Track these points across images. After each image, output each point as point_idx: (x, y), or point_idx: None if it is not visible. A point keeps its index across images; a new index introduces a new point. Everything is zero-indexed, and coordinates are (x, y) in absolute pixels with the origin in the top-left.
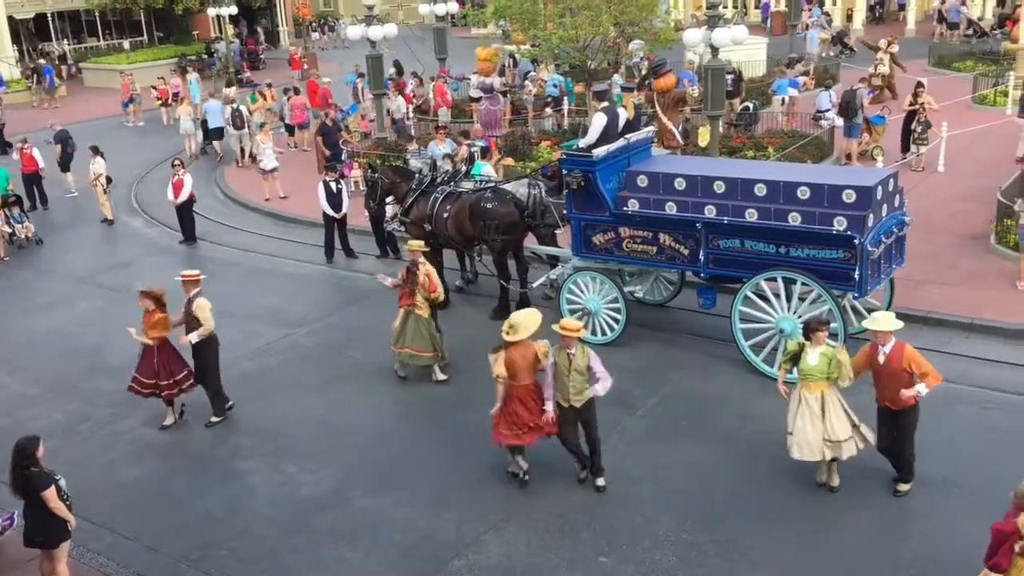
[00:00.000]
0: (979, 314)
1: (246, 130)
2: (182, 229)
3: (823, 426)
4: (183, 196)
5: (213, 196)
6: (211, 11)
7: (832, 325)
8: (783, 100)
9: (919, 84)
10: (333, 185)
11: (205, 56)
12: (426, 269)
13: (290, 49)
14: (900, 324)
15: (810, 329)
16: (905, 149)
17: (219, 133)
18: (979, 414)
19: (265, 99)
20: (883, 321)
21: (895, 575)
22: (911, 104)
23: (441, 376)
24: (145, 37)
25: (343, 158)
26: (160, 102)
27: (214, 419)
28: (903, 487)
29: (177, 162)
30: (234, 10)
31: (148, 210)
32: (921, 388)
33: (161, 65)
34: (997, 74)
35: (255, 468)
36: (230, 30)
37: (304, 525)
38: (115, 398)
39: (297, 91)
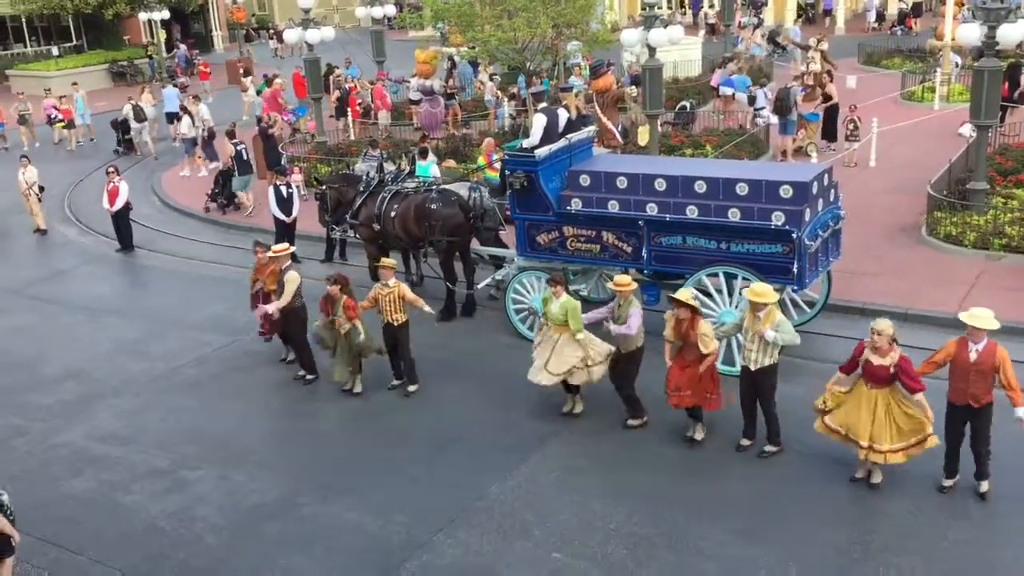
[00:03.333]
0: (913, 304)
1: (147, 123)
2: (119, 237)
3: (547, 357)
4: (119, 204)
5: (150, 204)
6: (142, 16)
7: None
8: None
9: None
10: (283, 189)
11: (147, 59)
12: (345, 300)
13: (230, 56)
14: (998, 324)
15: (552, 282)
16: (827, 139)
17: (173, 118)
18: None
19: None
20: (982, 318)
21: (844, 564)
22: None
23: (357, 389)
24: (74, 42)
25: (283, 163)
26: (61, 124)
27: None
28: (984, 485)
29: (111, 169)
30: (166, 15)
31: (83, 219)
32: (1021, 412)
33: (91, 71)
34: (923, 71)
35: (202, 477)
36: (162, 35)
37: (254, 533)
38: (52, 411)
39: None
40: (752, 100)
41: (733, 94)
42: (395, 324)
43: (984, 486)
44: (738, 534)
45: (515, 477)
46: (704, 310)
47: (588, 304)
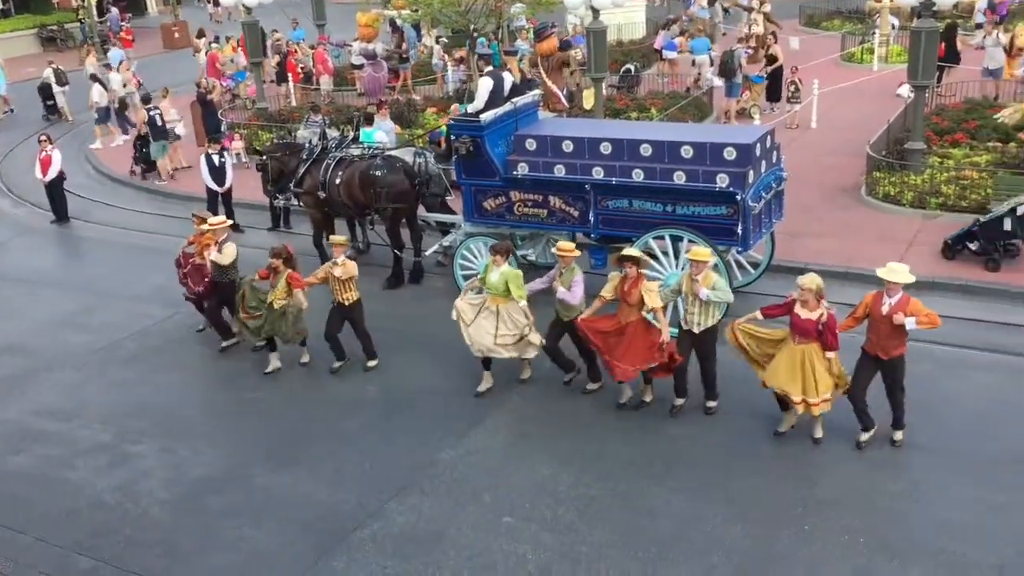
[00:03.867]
0: (852, 263)
1: (68, 87)
2: (52, 208)
3: (494, 331)
4: (52, 173)
5: (84, 173)
6: None
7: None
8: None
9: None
10: (216, 158)
11: (78, 24)
12: (290, 273)
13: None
14: (913, 278)
15: (494, 251)
16: (772, 100)
17: None
18: (852, 356)
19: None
20: (898, 272)
21: (791, 517)
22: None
23: (274, 365)
24: (0, 6)
25: (223, 129)
26: None
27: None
28: (898, 435)
29: (44, 138)
30: None
31: (15, 189)
32: (910, 321)
33: (19, 36)
34: (863, 32)
35: (146, 451)
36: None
37: (200, 506)
38: None
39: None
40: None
41: (694, 60)
42: (346, 304)
43: (898, 435)
44: (686, 492)
45: (465, 444)
46: (651, 273)
47: (536, 269)
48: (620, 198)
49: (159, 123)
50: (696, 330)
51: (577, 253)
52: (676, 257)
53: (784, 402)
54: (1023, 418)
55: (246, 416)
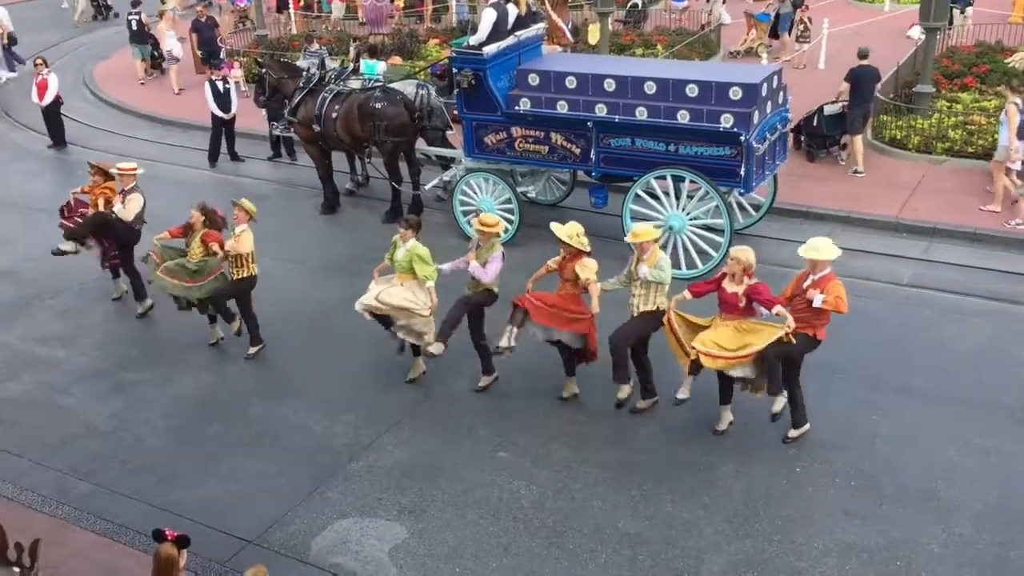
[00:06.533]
0: (855, 207)
1: None
2: (49, 133)
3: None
4: (48, 98)
5: (83, 98)
6: None
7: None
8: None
9: None
10: (220, 84)
11: None
12: (207, 232)
13: None
14: (838, 252)
15: (404, 224)
16: (773, 36)
17: None
18: (852, 303)
19: None
20: (822, 249)
21: (783, 458)
22: None
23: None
24: None
25: (221, 56)
26: None
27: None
28: (794, 432)
29: (39, 61)
30: None
31: (12, 113)
32: (817, 298)
33: None
34: None
35: (143, 379)
36: None
37: (197, 434)
38: None
39: None
40: None
41: None
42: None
43: (778, 404)
44: (676, 432)
45: (460, 381)
46: (652, 213)
47: (536, 207)
48: (623, 136)
49: (134, 27)
50: (634, 312)
51: (499, 230)
52: (677, 198)
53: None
54: (1018, 367)
55: (244, 345)
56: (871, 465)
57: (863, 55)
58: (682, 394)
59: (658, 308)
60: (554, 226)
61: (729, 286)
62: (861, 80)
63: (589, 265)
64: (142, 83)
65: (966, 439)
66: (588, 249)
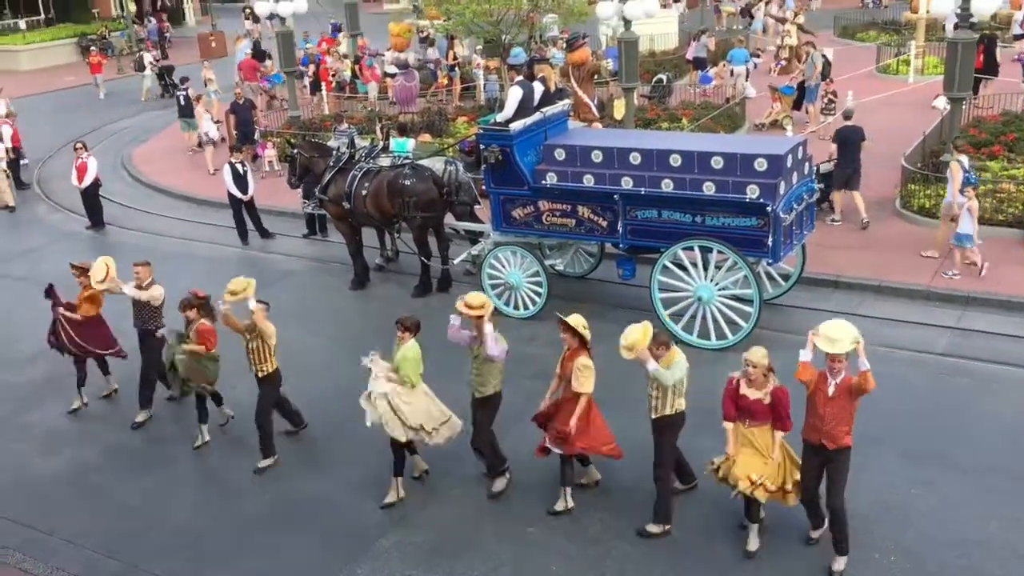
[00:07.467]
0: (886, 276)
1: None
2: (88, 214)
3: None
4: (87, 180)
5: (120, 179)
6: None
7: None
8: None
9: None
10: (239, 167)
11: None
12: (200, 325)
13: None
14: (856, 340)
15: (399, 327)
16: (796, 108)
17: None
18: (886, 372)
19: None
20: (841, 338)
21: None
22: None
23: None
24: (42, 16)
25: (256, 138)
26: None
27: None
28: (839, 562)
29: (79, 145)
30: None
31: (52, 196)
32: (864, 360)
33: (60, 46)
34: (899, 43)
35: (176, 455)
36: (131, 7)
37: (229, 512)
38: (22, 392)
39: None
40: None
41: (732, 71)
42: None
43: (839, 563)
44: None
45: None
46: (680, 284)
47: (564, 279)
48: (649, 208)
49: (182, 102)
50: (653, 415)
51: (486, 312)
52: (705, 268)
53: (751, 508)
54: None
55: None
56: (910, 539)
57: (848, 116)
58: (752, 546)
59: (676, 412)
60: (569, 318)
61: (751, 392)
62: (848, 139)
63: (584, 368)
64: (191, 153)
65: (1007, 513)
66: (589, 340)
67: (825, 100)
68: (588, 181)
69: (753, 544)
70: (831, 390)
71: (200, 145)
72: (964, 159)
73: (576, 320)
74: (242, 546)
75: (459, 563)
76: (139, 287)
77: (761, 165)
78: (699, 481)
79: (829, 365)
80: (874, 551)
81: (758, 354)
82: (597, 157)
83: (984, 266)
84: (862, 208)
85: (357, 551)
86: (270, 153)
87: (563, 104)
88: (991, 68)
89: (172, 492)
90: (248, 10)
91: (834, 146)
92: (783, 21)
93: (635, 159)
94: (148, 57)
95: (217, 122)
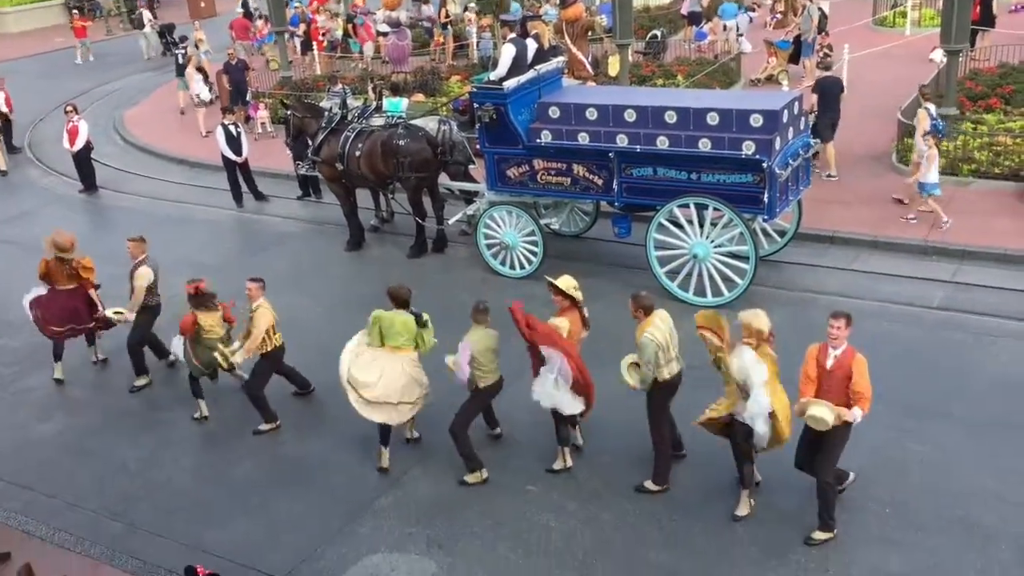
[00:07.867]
0: (882, 231)
1: None
2: (80, 178)
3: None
4: (79, 143)
5: (112, 142)
6: None
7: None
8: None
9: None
10: (232, 128)
11: None
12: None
13: None
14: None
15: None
16: (793, 62)
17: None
18: (882, 327)
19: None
20: (822, 420)
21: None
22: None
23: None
24: None
25: (248, 98)
26: None
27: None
28: (818, 535)
29: (70, 108)
30: None
31: (44, 159)
32: (857, 413)
33: (46, 7)
34: None
35: (174, 419)
36: None
37: (227, 473)
38: (20, 355)
39: None
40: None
41: (724, 25)
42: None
43: (819, 536)
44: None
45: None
46: (676, 242)
47: (559, 237)
48: (644, 166)
49: (180, 61)
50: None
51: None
52: (701, 225)
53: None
54: None
55: (276, 384)
56: (907, 492)
57: (827, 67)
58: (742, 511)
59: (669, 376)
60: (558, 280)
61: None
62: (827, 90)
63: (561, 325)
64: (182, 115)
65: (1003, 464)
66: (580, 300)
67: (821, 54)
68: (583, 139)
69: (743, 509)
70: (830, 362)
71: (196, 105)
72: (932, 107)
73: (565, 282)
74: (241, 507)
75: (458, 521)
76: (133, 264)
77: (757, 121)
78: (698, 446)
79: (829, 335)
80: (871, 503)
81: (750, 316)
82: (592, 115)
83: (947, 221)
84: (832, 162)
85: (356, 509)
86: (263, 115)
87: (557, 61)
88: (988, 20)
89: (171, 455)
90: None
91: (813, 97)
92: None
93: (630, 116)
94: (147, 15)
95: (210, 83)
